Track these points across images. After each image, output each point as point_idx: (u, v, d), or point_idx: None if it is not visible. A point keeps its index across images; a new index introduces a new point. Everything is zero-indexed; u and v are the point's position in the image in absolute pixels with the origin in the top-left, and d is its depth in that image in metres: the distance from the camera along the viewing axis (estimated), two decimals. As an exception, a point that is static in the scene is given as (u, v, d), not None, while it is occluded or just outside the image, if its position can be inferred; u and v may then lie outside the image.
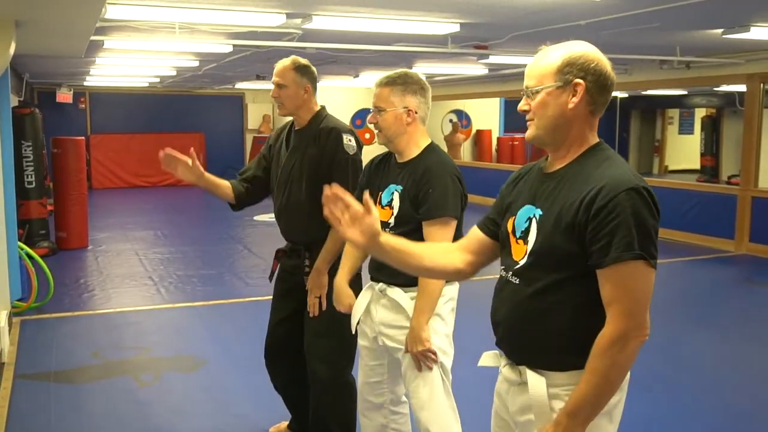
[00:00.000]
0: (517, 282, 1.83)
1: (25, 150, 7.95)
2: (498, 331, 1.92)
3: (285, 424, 3.67)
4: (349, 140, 3.09)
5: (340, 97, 15.07)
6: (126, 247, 9.03)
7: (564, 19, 5.89)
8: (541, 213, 1.80)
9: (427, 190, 2.57)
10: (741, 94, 11.58)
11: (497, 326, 1.92)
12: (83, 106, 16.25)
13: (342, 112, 12.52)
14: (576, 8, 5.44)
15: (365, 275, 2.93)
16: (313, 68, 3.21)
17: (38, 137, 8.25)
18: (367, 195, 1.73)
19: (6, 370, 4.66)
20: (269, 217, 10.12)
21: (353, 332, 2.88)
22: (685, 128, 19.91)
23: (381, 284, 2.74)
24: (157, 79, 13.95)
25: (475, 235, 2.02)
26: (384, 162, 2.80)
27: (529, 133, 1.83)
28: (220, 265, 8.07)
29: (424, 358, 2.57)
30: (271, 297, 3.50)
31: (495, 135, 17.37)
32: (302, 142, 3.19)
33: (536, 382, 1.81)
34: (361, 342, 2.87)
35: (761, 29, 6.47)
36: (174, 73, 12.06)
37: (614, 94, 1.84)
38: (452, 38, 6.98)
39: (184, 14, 5.63)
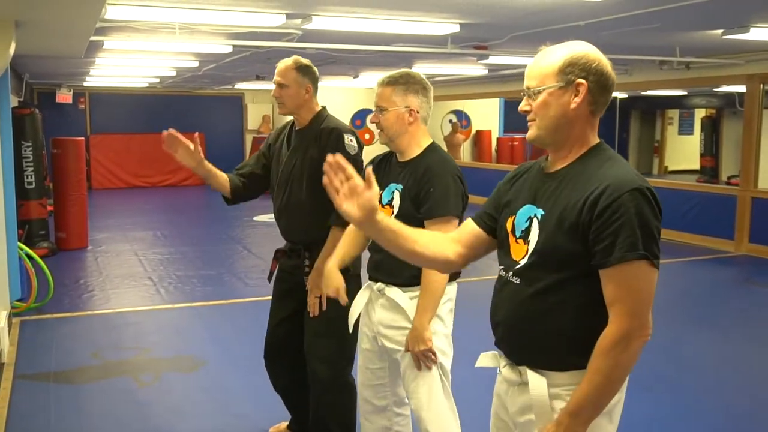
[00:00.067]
0: (517, 282, 1.83)
1: (25, 150, 7.95)
2: (498, 332, 1.92)
3: (285, 424, 3.67)
4: (351, 141, 3.10)
5: (340, 97, 15.07)
6: (126, 247, 9.02)
7: (564, 19, 5.89)
8: (542, 213, 1.80)
9: (429, 189, 2.57)
10: (741, 94, 11.59)
11: (497, 326, 1.91)
12: (83, 106, 16.25)
13: (342, 113, 12.52)
14: (576, 9, 5.44)
15: (364, 276, 2.93)
16: (315, 68, 3.21)
17: (38, 138, 8.25)
18: (369, 169, 1.70)
19: (6, 370, 4.66)
20: (269, 217, 10.12)
21: (351, 331, 2.88)
22: (685, 129, 19.92)
23: (379, 284, 2.74)
24: (157, 80, 13.95)
25: (470, 228, 2.01)
26: (385, 161, 2.80)
27: (531, 133, 1.83)
28: (219, 265, 8.07)
29: (424, 358, 2.57)
30: (270, 297, 3.50)
31: (495, 135, 17.38)
32: (303, 142, 3.19)
33: (537, 382, 1.81)
34: (363, 345, 2.86)
35: (761, 30, 6.47)
36: (174, 73, 12.07)
37: (614, 94, 1.84)
38: (452, 39, 6.97)
39: (183, 15, 5.63)
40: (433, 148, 2.70)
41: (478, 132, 17.21)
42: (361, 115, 16.02)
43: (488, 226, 1.98)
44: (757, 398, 4.42)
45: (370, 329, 2.80)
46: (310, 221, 3.08)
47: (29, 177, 8.03)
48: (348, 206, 1.70)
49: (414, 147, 2.68)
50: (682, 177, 15.93)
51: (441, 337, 2.65)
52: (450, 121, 16.63)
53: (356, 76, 12.79)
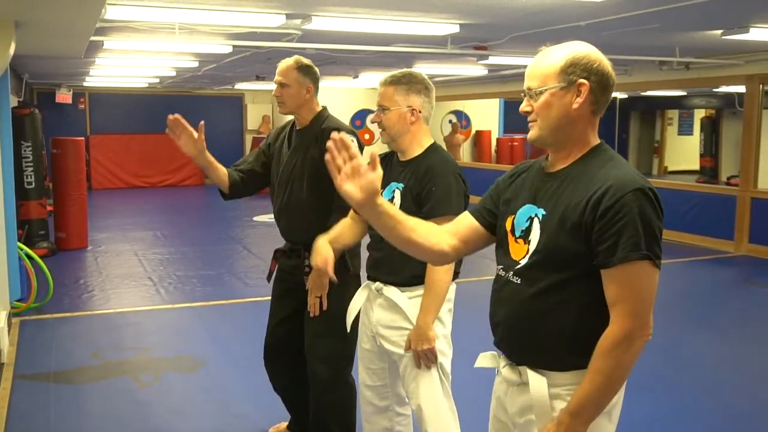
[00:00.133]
0: (518, 282, 1.83)
1: (25, 150, 7.95)
2: (498, 332, 1.92)
3: (284, 424, 3.67)
4: (352, 141, 3.09)
5: (340, 97, 15.08)
6: (125, 247, 9.03)
7: (564, 20, 5.89)
8: (544, 213, 1.80)
9: (431, 189, 2.57)
10: (740, 95, 11.59)
11: (497, 326, 1.91)
12: (83, 106, 16.25)
13: (341, 113, 12.53)
14: (576, 9, 5.44)
15: (364, 276, 2.92)
16: (316, 69, 3.22)
17: (38, 138, 8.24)
18: (375, 152, 1.68)
19: (5, 370, 4.66)
20: (269, 217, 10.13)
21: (349, 330, 2.88)
22: (685, 129, 19.93)
23: (377, 283, 2.74)
24: (157, 80, 13.95)
25: (468, 222, 2.00)
26: (386, 160, 2.80)
27: (532, 133, 1.83)
28: (219, 265, 8.07)
29: (426, 358, 2.57)
30: (270, 297, 3.50)
31: (494, 136, 17.39)
32: (304, 142, 3.19)
33: (537, 382, 1.81)
34: (363, 345, 2.86)
35: (760, 30, 6.47)
36: (173, 73, 12.07)
37: (614, 94, 1.85)
38: (452, 39, 6.98)
39: (183, 15, 5.63)
40: (434, 148, 2.70)
41: (478, 132, 17.22)
42: (361, 116, 16.03)
43: (487, 221, 1.97)
44: (756, 398, 4.42)
45: (369, 329, 2.80)
46: (311, 221, 3.08)
47: (29, 177, 8.03)
48: (349, 187, 1.67)
49: (415, 146, 2.69)
50: (681, 177, 15.93)
51: (440, 337, 2.64)
52: (450, 121, 16.64)
53: (356, 77, 12.79)
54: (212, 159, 3.12)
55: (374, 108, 2.75)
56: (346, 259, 3.16)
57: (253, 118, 17.94)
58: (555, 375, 1.80)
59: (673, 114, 19.74)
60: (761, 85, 8.89)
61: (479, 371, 2.05)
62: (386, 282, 2.71)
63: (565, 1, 5.15)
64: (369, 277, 2.81)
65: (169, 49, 8.18)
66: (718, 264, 8.57)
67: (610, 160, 1.79)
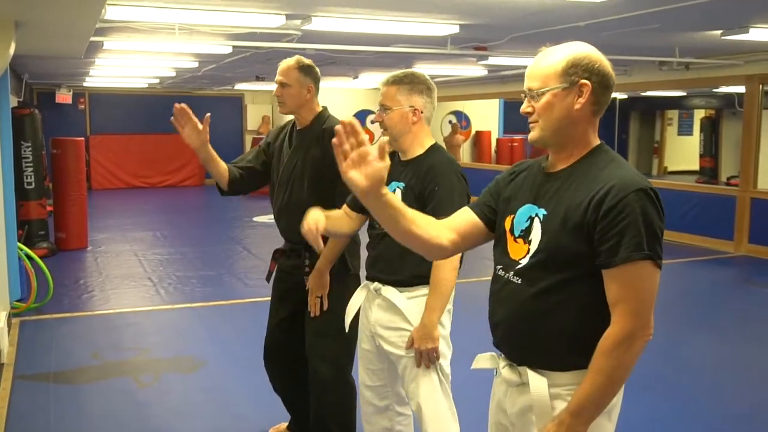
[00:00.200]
0: (518, 282, 1.83)
1: (25, 151, 7.95)
2: (498, 332, 1.91)
3: (284, 425, 3.67)
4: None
5: (340, 98, 15.08)
6: (125, 248, 9.02)
7: (563, 20, 5.89)
8: (545, 213, 1.80)
9: (433, 188, 2.57)
10: (740, 95, 11.59)
11: (497, 327, 1.91)
12: (82, 106, 16.25)
13: (341, 114, 12.47)
14: (575, 10, 5.44)
15: (363, 276, 2.93)
16: (317, 69, 3.22)
17: (38, 138, 8.24)
18: (385, 140, 1.64)
19: (5, 370, 4.66)
20: (269, 218, 10.12)
21: (347, 330, 2.88)
22: (685, 129, 19.93)
23: (376, 283, 2.74)
24: (157, 80, 13.95)
25: (468, 218, 1.99)
26: None
27: (533, 134, 1.82)
28: (219, 266, 8.07)
29: (427, 358, 2.57)
30: (270, 298, 3.51)
31: (494, 136, 17.39)
32: (304, 142, 3.19)
33: (538, 382, 1.81)
34: (363, 345, 2.86)
35: (760, 30, 6.47)
36: (173, 74, 12.07)
37: (613, 95, 1.85)
38: (452, 39, 6.98)
39: (183, 15, 5.63)
40: (436, 148, 2.71)
41: (478, 133, 17.22)
42: (360, 116, 16.03)
43: (487, 217, 1.97)
44: (756, 398, 4.42)
45: (368, 329, 2.80)
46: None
47: (29, 177, 8.03)
48: (354, 174, 1.61)
49: (417, 146, 2.69)
50: (681, 178, 15.94)
51: (440, 338, 2.64)
52: (450, 121, 16.64)
53: (356, 77, 12.80)
54: (214, 153, 3.12)
55: (374, 108, 2.76)
56: (346, 259, 3.17)
57: (252, 119, 17.95)
58: (555, 375, 1.80)
59: (673, 114, 19.74)
60: (761, 86, 8.89)
61: (479, 372, 2.05)
62: (385, 281, 2.71)
63: (565, 2, 5.15)
64: (368, 277, 2.80)
65: (169, 50, 8.18)
66: (717, 264, 8.57)
67: (612, 160, 1.79)
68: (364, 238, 2.91)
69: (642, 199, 1.68)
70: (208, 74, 11.90)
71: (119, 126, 16.42)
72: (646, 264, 1.67)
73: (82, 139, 9.29)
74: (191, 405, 4.24)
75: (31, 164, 8.04)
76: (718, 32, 6.72)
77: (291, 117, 3.31)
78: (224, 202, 13.31)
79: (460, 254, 2.47)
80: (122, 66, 10.65)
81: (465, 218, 1.99)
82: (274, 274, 3.44)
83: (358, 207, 2.70)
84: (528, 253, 1.82)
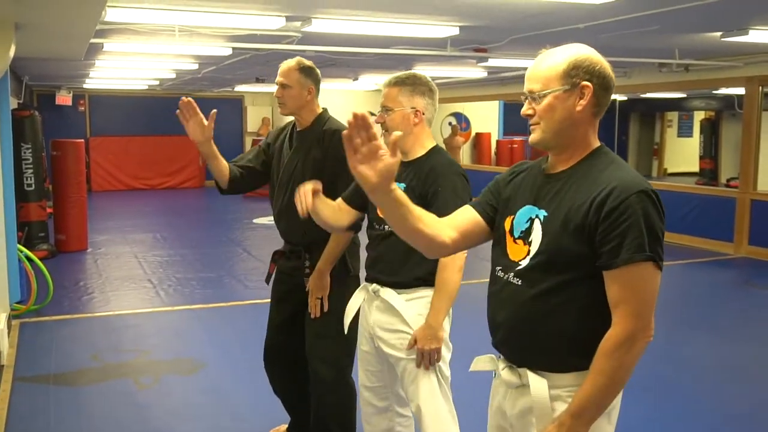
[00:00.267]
0: (519, 283, 1.83)
1: (25, 152, 7.95)
2: (498, 334, 1.91)
3: (284, 426, 3.67)
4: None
5: (340, 99, 15.07)
6: (125, 249, 9.02)
7: (563, 22, 5.90)
8: (545, 214, 1.80)
9: (436, 190, 2.57)
10: (740, 97, 11.59)
11: (497, 328, 1.91)
12: (82, 108, 16.25)
13: (341, 115, 12.49)
14: (575, 11, 5.44)
15: (363, 277, 2.93)
16: (318, 70, 3.22)
17: (38, 140, 8.24)
18: (397, 134, 1.62)
19: (5, 372, 4.66)
20: (268, 220, 10.12)
21: (346, 331, 2.88)
22: (684, 131, 19.92)
23: (374, 285, 2.74)
24: (157, 82, 13.96)
25: (470, 216, 1.98)
26: None
27: (535, 136, 1.82)
28: (219, 268, 8.07)
29: (429, 358, 2.57)
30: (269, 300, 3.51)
31: (494, 138, 17.39)
32: (305, 143, 3.19)
33: (538, 384, 1.81)
34: (362, 347, 2.86)
35: (760, 32, 6.48)
36: (173, 75, 12.08)
37: (613, 96, 1.85)
38: (451, 41, 6.98)
39: (183, 17, 5.64)
40: (437, 150, 2.71)
41: (478, 134, 17.22)
42: (360, 118, 16.01)
43: (489, 216, 1.97)
44: (755, 399, 4.42)
45: (368, 331, 2.80)
46: (311, 223, 3.07)
47: (29, 179, 8.02)
48: (364, 169, 1.58)
49: (418, 148, 2.69)
50: (681, 179, 15.94)
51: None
52: (449, 123, 16.64)
53: (356, 79, 12.81)
54: (216, 150, 3.12)
55: (374, 110, 2.76)
56: (346, 260, 3.17)
57: (252, 121, 17.95)
58: (555, 376, 1.80)
59: (673, 116, 19.73)
60: (761, 87, 8.89)
61: (479, 373, 2.05)
62: (384, 283, 2.71)
63: (564, 4, 5.16)
64: (367, 278, 2.80)
65: (169, 52, 8.18)
66: (717, 266, 8.57)
67: (612, 162, 1.79)
68: (364, 240, 2.91)
69: (644, 200, 1.68)
70: (208, 76, 11.91)
71: (119, 128, 16.43)
72: (648, 265, 1.68)
73: (82, 140, 9.30)
74: (191, 407, 4.24)
75: (31, 166, 8.04)
76: (718, 34, 6.73)
77: (291, 118, 3.31)
78: (224, 204, 13.32)
79: (465, 255, 2.48)
80: (122, 68, 10.66)
81: (467, 217, 1.99)
82: (273, 275, 3.44)
83: (354, 203, 2.71)
84: (528, 254, 1.82)
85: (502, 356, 1.94)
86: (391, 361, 2.72)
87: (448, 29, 6.30)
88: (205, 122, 2.96)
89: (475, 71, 11.05)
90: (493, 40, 7.06)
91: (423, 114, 2.67)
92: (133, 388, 4.47)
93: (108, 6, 5.01)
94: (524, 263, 1.82)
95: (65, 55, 7.65)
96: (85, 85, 14.80)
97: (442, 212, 2.50)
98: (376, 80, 13.31)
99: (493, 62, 8.87)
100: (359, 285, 2.97)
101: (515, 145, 17.05)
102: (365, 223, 2.85)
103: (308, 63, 3.19)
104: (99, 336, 5.56)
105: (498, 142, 17.36)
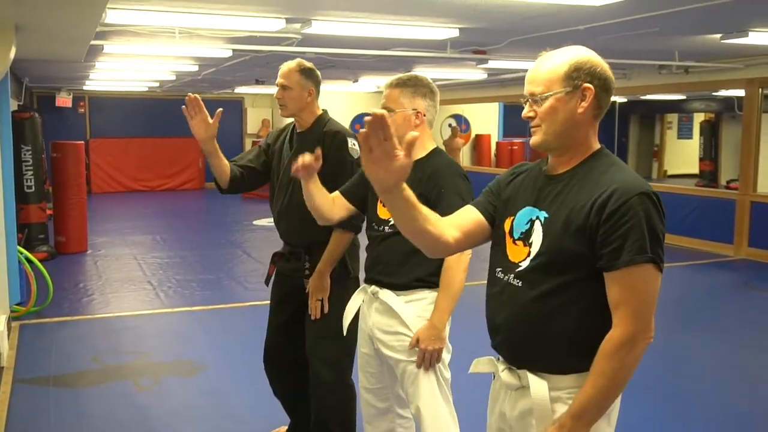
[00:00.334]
0: (519, 285, 1.83)
1: (25, 154, 7.95)
2: (497, 335, 1.91)
3: (284, 428, 3.67)
4: (353, 145, 3.12)
5: (340, 101, 15.10)
6: (125, 251, 9.02)
7: (562, 24, 5.90)
8: (546, 215, 1.80)
9: (440, 191, 2.57)
10: (740, 98, 11.59)
11: (497, 330, 1.90)
12: (82, 110, 16.26)
13: (341, 117, 12.49)
14: (574, 13, 5.44)
15: (362, 278, 2.93)
16: (318, 72, 3.22)
17: (38, 141, 8.25)
18: (413, 135, 1.59)
19: (5, 374, 4.66)
20: (268, 221, 10.13)
21: (345, 333, 2.89)
22: (684, 133, 19.92)
23: (373, 287, 2.74)
24: (157, 84, 13.96)
25: (472, 216, 1.98)
26: None
27: (536, 138, 1.82)
28: (219, 269, 8.07)
29: (430, 358, 2.57)
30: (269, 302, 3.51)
31: (494, 139, 17.39)
32: (305, 144, 3.19)
33: (538, 385, 1.81)
34: (362, 349, 2.86)
35: (760, 34, 6.48)
36: (173, 77, 12.08)
37: (613, 98, 1.85)
38: (451, 43, 6.99)
39: (183, 19, 5.64)
40: (437, 151, 2.71)
41: (478, 136, 17.22)
42: (360, 120, 16.03)
43: (492, 216, 1.97)
44: (754, 401, 4.42)
45: (367, 333, 2.80)
46: (311, 223, 3.08)
47: (29, 181, 8.03)
48: (377, 169, 1.57)
49: (419, 149, 2.69)
50: (681, 181, 15.93)
51: (441, 340, 2.65)
52: (449, 125, 16.64)
53: (356, 81, 12.81)
54: (218, 149, 3.12)
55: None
56: (346, 261, 3.17)
57: (252, 122, 17.96)
58: (556, 378, 1.80)
59: (673, 118, 19.73)
60: (760, 89, 8.90)
61: (479, 374, 2.05)
62: (383, 284, 2.70)
63: (564, 6, 5.15)
64: (366, 279, 2.80)
65: (169, 53, 8.19)
66: (717, 268, 8.57)
67: (613, 164, 1.80)
68: (364, 242, 2.91)
69: (645, 202, 1.68)
70: (208, 78, 11.91)
71: (119, 129, 16.43)
72: (649, 267, 1.68)
73: (82, 142, 9.32)
74: (191, 408, 4.24)
75: (31, 168, 8.05)
76: (718, 36, 6.73)
77: (291, 120, 3.32)
78: (224, 206, 13.33)
79: (469, 255, 2.49)
80: (122, 69, 10.66)
81: (470, 217, 1.98)
82: (273, 277, 3.44)
83: (352, 198, 2.72)
84: (529, 255, 1.82)
85: (501, 358, 1.94)
86: (391, 363, 2.71)
87: (447, 31, 6.31)
88: (210, 120, 2.97)
89: (474, 73, 11.05)
90: (493, 42, 7.06)
91: (424, 115, 2.67)
92: (133, 390, 4.47)
93: (108, 8, 5.01)
94: (524, 264, 1.82)
95: (65, 57, 7.65)
96: (85, 87, 14.80)
97: (446, 213, 2.50)
98: (376, 82, 13.31)
99: (493, 64, 8.87)
100: (359, 286, 2.97)
101: (515, 147, 17.06)
102: (365, 225, 2.86)
103: (309, 65, 3.20)
104: (99, 338, 5.56)
105: (498, 143, 17.37)
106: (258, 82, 12.83)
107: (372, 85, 13.87)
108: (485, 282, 1.96)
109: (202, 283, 7.33)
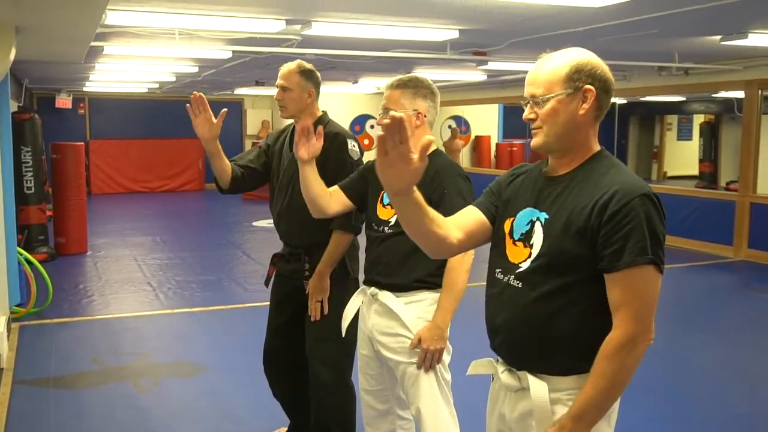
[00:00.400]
0: (519, 286, 1.83)
1: (25, 155, 7.96)
2: (497, 336, 1.91)
3: (284, 429, 3.67)
4: (353, 146, 3.12)
5: (339, 103, 15.10)
6: (125, 252, 9.02)
7: (562, 25, 5.90)
8: (546, 217, 1.80)
9: (442, 192, 2.58)
10: (739, 100, 11.60)
11: (497, 331, 1.90)
12: (82, 111, 16.26)
13: (341, 118, 12.53)
14: (574, 15, 5.45)
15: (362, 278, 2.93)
16: (318, 73, 3.23)
17: (37, 143, 8.26)
18: (429, 138, 1.57)
19: (5, 375, 4.66)
20: (268, 222, 10.13)
21: (344, 335, 2.89)
22: (684, 134, 19.92)
23: (373, 288, 2.74)
24: (157, 85, 13.96)
25: (475, 216, 1.98)
26: None
27: (537, 140, 1.82)
28: (219, 270, 8.07)
29: (431, 359, 2.57)
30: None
31: (494, 141, 17.40)
32: (305, 145, 3.19)
33: (538, 387, 1.81)
34: (362, 351, 2.86)
35: (759, 36, 6.49)
36: (173, 79, 12.08)
37: (613, 100, 1.85)
38: (451, 44, 6.99)
39: (183, 20, 5.64)
40: (438, 152, 2.71)
41: (478, 137, 17.22)
42: (360, 121, 16.04)
43: (493, 216, 1.97)
44: (754, 403, 4.42)
45: (367, 334, 2.80)
46: (311, 225, 3.08)
47: (29, 182, 8.04)
48: (391, 172, 1.56)
49: None
50: (680, 183, 15.94)
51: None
52: (449, 126, 16.64)
53: (355, 82, 12.82)
54: (220, 149, 3.13)
55: (374, 113, 2.76)
56: (346, 262, 3.17)
57: (252, 124, 17.96)
58: (556, 379, 1.80)
59: (672, 119, 19.73)
60: (760, 91, 8.90)
61: (479, 375, 2.05)
62: (382, 285, 2.70)
63: (564, 7, 5.16)
64: (365, 281, 2.80)
65: (169, 55, 8.19)
66: (717, 269, 8.57)
67: (613, 166, 1.80)
68: (363, 242, 2.91)
69: (646, 204, 1.68)
70: (208, 79, 11.92)
71: (119, 131, 16.44)
72: (650, 268, 1.68)
73: (82, 143, 9.31)
74: (191, 410, 4.23)
75: (31, 169, 8.06)
76: (717, 38, 6.73)
77: (291, 121, 3.32)
78: (224, 207, 13.33)
79: (472, 255, 2.50)
80: (122, 71, 10.67)
81: (472, 217, 1.98)
82: (272, 278, 3.44)
83: (350, 194, 2.73)
84: (529, 256, 1.82)
85: (501, 359, 1.94)
86: (391, 365, 2.71)
87: (447, 32, 6.31)
88: (214, 120, 2.97)
89: (474, 74, 11.06)
90: (493, 43, 7.06)
91: (425, 116, 2.67)
92: (133, 391, 4.47)
93: (108, 9, 5.01)
94: (525, 266, 1.82)
95: (65, 58, 7.65)
96: (85, 88, 14.80)
97: (448, 214, 2.50)
98: (375, 83, 13.31)
99: (493, 65, 8.87)
100: (359, 287, 2.97)
101: (515, 148, 17.06)
102: (364, 225, 2.86)
103: (309, 66, 3.20)
104: (99, 339, 5.56)
105: (497, 145, 17.36)
106: (258, 83, 12.83)
107: (372, 86, 13.87)
108: (485, 283, 1.96)
109: (202, 284, 7.33)
